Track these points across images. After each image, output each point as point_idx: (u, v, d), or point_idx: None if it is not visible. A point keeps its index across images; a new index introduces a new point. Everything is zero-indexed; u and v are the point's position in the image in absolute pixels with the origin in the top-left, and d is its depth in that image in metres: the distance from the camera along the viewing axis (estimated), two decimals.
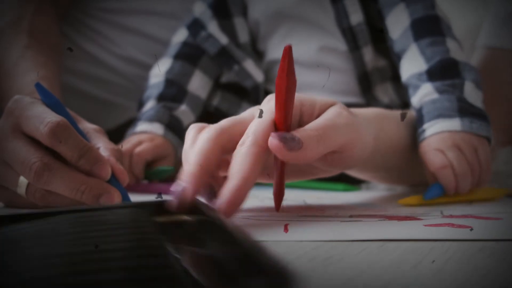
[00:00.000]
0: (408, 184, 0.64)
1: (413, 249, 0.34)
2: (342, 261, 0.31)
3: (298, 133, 0.43)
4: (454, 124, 0.58)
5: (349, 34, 0.74)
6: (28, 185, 0.49)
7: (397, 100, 0.76)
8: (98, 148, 0.51)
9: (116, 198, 0.49)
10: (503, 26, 0.69)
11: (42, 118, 0.48)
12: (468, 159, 0.56)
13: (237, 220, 0.44)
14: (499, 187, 0.60)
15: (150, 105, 0.78)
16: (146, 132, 0.75)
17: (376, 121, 0.55)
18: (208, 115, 0.82)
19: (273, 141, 0.41)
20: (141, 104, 0.81)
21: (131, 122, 0.82)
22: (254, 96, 0.78)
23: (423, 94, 0.61)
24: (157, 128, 0.75)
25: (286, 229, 0.40)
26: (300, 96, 0.47)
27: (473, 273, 0.29)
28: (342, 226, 0.42)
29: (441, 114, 0.59)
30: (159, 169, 0.72)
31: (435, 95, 0.60)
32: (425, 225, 0.42)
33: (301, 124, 0.46)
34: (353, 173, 0.61)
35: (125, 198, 0.49)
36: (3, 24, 0.77)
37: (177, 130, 0.77)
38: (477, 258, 0.31)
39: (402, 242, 0.36)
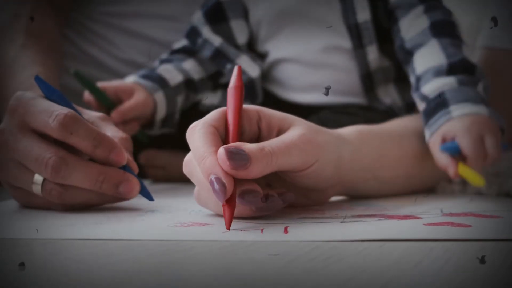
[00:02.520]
0: (418, 189, 0.63)
1: (413, 249, 0.34)
2: (342, 261, 0.31)
3: (249, 149, 0.42)
4: (482, 109, 0.59)
5: (354, 31, 0.73)
6: (44, 182, 0.48)
7: (400, 102, 0.76)
8: None
9: (135, 185, 0.49)
10: (504, 27, 0.69)
11: (49, 112, 0.47)
12: (493, 144, 0.57)
13: (237, 222, 0.44)
14: (499, 187, 0.60)
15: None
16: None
17: (356, 138, 0.55)
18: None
19: (221, 155, 0.42)
20: None
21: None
22: (250, 92, 0.77)
23: (443, 83, 0.62)
24: (130, 78, 0.75)
25: (286, 231, 0.40)
26: (259, 110, 0.47)
27: (473, 273, 0.29)
28: (342, 226, 0.42)
29: (468, 100, 0.60)
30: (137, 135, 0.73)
31: (457, 85, 0.61)
32: (425, 224, 0.42)
33: (260, 139, 0.47)
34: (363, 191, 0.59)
35: (142, 185, 0.50)
36: (0, 24, 0.77)
37: (153, 78, 0.76)
38: (477, 258, 0.31)
39: (402, 242, 0.36)
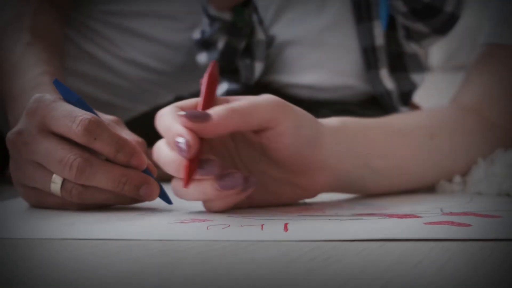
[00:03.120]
0: (415, 186, 0.62)
1: (413, 249, 0.34)
2: (342, 261, 0.31)
3: (214, 109, 0.44)
4: None
5: (363, 2, 0.72)
6: (64, 182, 0.48)
7: (396, 90, 0.75)
8: None
9: (155, 188, 0.50)
10: (505, 23, 0.68)
11: (72, 117, 0.48)
12: None
13: (237, 218, 0.44)
14: (498, 190, 0.60)
15: None
16: None
17: (338, 122, 0.54)
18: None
19: (181, 116, 0.43)
20: None
21: (133, 123, 0.82)
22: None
23: None
24: None
25: (286, 229, 0.40)
26: (228, 97, 0.47)
27: (473, 273, 0.29)
28: (342, 226, 0.42)
29: None
30: None
31: None
32: (425, 223, 0.42)
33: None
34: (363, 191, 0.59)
35: (162, 189, 0.51)
36: (4, 23, 0.77)
37: None
38: (477, 258, 0.31)
39: (402, 242, 0.36)
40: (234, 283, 0.28)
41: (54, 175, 0.49)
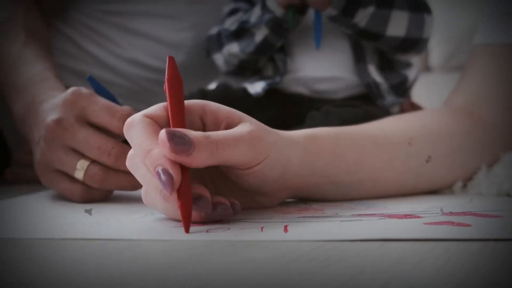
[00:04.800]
0: (392, 193, 0.59)
1: (413, 249, 0.34)
2: (342, 261, 0.31)
3: (193, 135, 0.40)
4: None
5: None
6: (88, 168, 0.54)
7: (385, 82, 0.75)
8: None
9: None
10: (498, 22, 0.68)
11: (113, 111, 0.55)
12: None
13: (238, 222, 0.44)
14: (498, 190, 0.60)
15: None
16: None
17: (307, 142, 0.52)
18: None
19: (161, 137, 0.40)
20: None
21: None
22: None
23: None
24: None
25: (285, 230, 0.40)
26: (205, 104, 0.45)
27: (473, 273, 0.29)
28: (342, 226, 0.42)
29: None
30: None
31: None
32: (425, 223, 0.42)
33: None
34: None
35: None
36: None
37: None
38: (477, 258, 0.31)
39: (402, 242, 0.36)
40: (234, 283, 0.28)
41: (79, 162, 0.55)
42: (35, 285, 0.28)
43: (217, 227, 0.42)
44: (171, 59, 0.46)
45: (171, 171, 0.39)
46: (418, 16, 0.74)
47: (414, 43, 0.75)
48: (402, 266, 0.30)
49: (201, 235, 0.40)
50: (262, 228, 0.41)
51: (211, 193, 0.46)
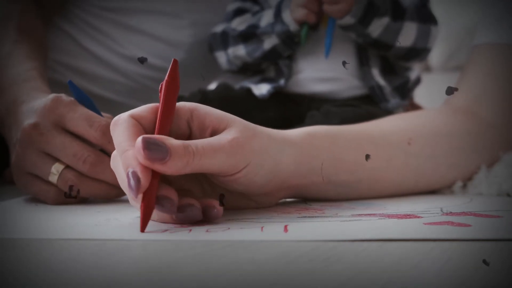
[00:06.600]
0: (391, 193, 0.59)
1: (413, 249, 0.34)
2: (342, 261, 0.31)
3: (171, 143, 0.40)
4: None
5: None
6: (61, 174, 0.54)
7: (388, 85, 0.75)
8: None
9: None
10: (498, 22, 0.68)
11: (91, 121, 0.54)
12: None
13: (237, 221, 0.44)
14: (498, 190, 0.60)
15: None
16: None
17: (304, 141, 0.51)
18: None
19: (137, 144, 0.40)
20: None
21: None
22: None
23: None
24: None
25: (286, 230, 0.40)
26: (194, 108, 0.45)
27: (473, 273, 0.29)
28: (342, 226, 0.42)
29: None
30: None
31: None
32: (425, 223, 0.42)
33: (191, 139, 0.44)
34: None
35: None
36: None
37: None
38: (477, 258, 0.31)
39: (402, 242, 0.36)
40: (234, 283, 0.28)
41: (54, 166, 0.54)
42: (35, 285, 0.28)
43: (216, 227, 0.42)
44: (175, 62, 0.45)
45: (140, 175, 0.40)
46: (426, 27, 0.74)
47: (418, 53, 0.75)
48: (402, 266, 0.30)
49: (201, 235, 0.40)
50: (262, 228, 0.41)
51: (208, 193, 0.46)
